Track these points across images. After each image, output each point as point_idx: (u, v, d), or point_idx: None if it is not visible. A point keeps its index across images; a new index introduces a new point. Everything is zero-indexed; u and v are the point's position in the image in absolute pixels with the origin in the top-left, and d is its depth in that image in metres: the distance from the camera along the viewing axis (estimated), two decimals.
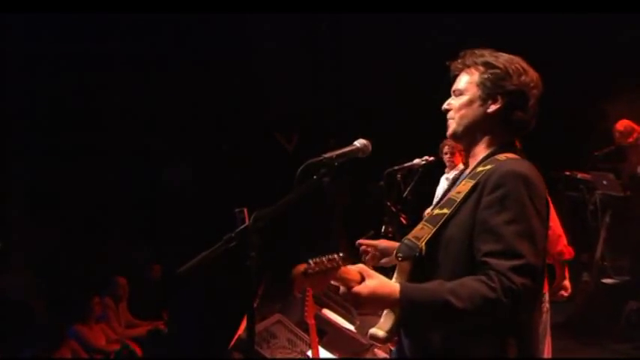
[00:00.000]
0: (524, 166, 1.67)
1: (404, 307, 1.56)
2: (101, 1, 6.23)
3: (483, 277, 1.54)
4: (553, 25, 6.55)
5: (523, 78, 1.74)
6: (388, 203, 3.37)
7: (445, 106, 1.83)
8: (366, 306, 1.58)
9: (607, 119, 6.25)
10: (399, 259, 1.71)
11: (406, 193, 3.87)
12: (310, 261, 1.50)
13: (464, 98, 1.78)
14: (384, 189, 3.38)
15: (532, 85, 1.75)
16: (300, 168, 1.68)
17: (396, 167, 3.58)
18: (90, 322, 5.65)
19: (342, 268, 1.57)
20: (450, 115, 1.81)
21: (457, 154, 5.35)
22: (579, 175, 6.31)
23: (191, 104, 7.96)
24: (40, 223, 7.46)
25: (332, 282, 1.60)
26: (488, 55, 1.78)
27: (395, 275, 1.74)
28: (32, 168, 7.54)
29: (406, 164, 3.89)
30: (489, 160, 1.71)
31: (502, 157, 1.71)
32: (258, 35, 7.64)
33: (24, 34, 7.05)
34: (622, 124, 6.02)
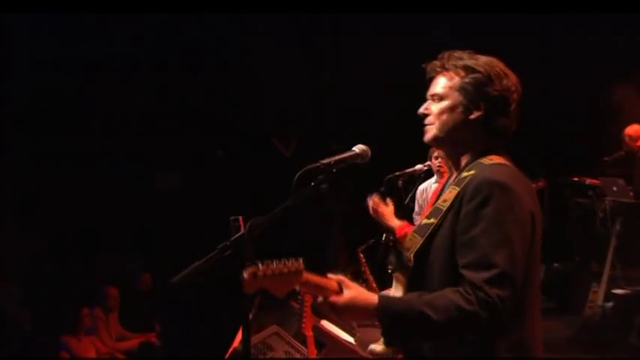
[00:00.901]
0: (504, 173, 1.68)
1: (381, 318, 1.60)
2: (92, 1, 6.26)
3: (461, 290, 1.58)
4: (564, 27, 6.59)
5: (505, 82, 1.76)
6: None
7: (423, 110, 1.83)
8: (342, 315, 1.64)
9: (616, 123, 6.27)
10: (390, 270, 1.77)
11: (408, 199, 3.89)
12: (260, 264, 1.53)
13: (444, 103, 1.78)
14: (384, 196, 3.39)
15: (513, 89, 1.77)
16: (298, 174, 1.70)
17: (397, 173, 3.60)
18: (79, 334, 5.65)
19: (317, 277, 1.61)
20: (428, 119, 1.81)
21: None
22: (588, 181, 6.32)
23: (184, 108, 7.97)
24: (26, 230, 7.46)
25: (308, 290, 1.64)
26: (467, 58, 1.78)
27: (392, 286, 1.80)
28: (18, 174, 7.55)
29: (408, 170, 3.91)
30: (474, 164, 1.74)
31: (486, 160, 1.73)
32: (255, 36, 7.67)
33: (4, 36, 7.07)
34: (632, 129, 6.04)
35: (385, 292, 1.90)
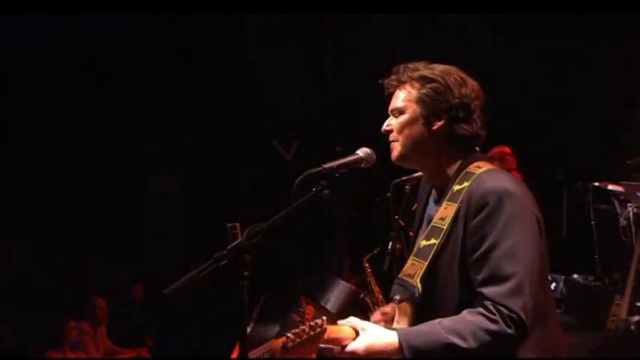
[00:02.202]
0: (505, 179, 1.71)
1: (407, 356, 1.61)
2: (89, 1, 6.35)
3: (481, 310, 1.61)
4: (584, 28, 6.63)
5: (464, 90, 1.79)
6: (396, 217, 3.39)
7: (385, 127, 1.86)
8: None
9: None
10: (396, 301, 1.77)
11: (415, 206, 3.89)
12: (288, 334, 1.55)
13: (404, 117, 1.81)
14: (390, 202, 3.41)
15: (473, 95, 1.80)
16: (298, 179, 1.72)
17: (404, 177, 3.60)
18: (64, 349, 5.65)
19: (332, 327, 1.62)
20: (392, 136, 1.84)
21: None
22: (610, 187, 6.31)
23: (180, 110, 8.00)
24: (9, 238, 7.49)
25: (322, 345, 1.64)
26: (423, 69, 1.82)
27: (396, 318, 1.80)
28: (1, 178, 7.58)
29: (415, 174, 3.90)
30: (463, 175, 1.75)
31: (475, 169, 1.75)
32: (254, 33, 7.70)
33: None
34: None
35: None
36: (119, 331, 6.44)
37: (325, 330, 1.58)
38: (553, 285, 5.72)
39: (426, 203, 1.93)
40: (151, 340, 6.53)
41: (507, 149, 6.22)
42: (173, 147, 8.20)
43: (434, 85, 1.78)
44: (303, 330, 1.55)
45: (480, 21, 6.48)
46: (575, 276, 6.40)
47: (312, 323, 1.57)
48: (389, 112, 1.86)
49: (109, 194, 7.87)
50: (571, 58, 6.87)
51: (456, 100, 1.77)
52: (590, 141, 6.90)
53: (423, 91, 1.79)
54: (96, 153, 7.83)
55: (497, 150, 6.12)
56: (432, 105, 1.77)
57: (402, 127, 1.81)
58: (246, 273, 1.64)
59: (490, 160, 1.82)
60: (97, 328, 6.19)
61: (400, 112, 1.82)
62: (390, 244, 3.39)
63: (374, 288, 3.96)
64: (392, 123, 1.84)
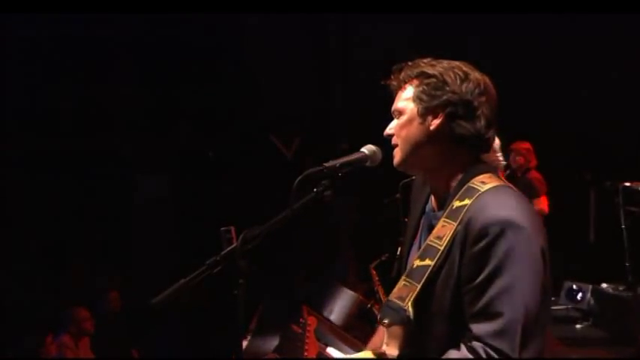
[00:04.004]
0: (510, 205, 1.70)
1: None
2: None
3: (466, 348, 1.64)
4: (613, 28, 6.69)
5: (465, 85, 1.78)
6: (405, 220, 3.41)
7: (387, 131, 1.85)
8: None
9: None
10: (385, 324, 1.79)
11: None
12: None
13: (403, 118, 1.81)
14: (399, 203, 3.43)
15: (477, 91, 1.78)
16: (298, 179, 1.72)
17: (413, 177, 3.62)
18: None
19: None
20: (393, 141, 1.84)
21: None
22: None
23: (170, 103, 8.02)
24: None
25: None
26: (423, 65, 1.81)
27: (385, 340, 1.82)
28: None
29: None
30: (465, 191, 1.75)
31: (478, 183, 1.75)
32: (253, 24, 7.71)
33: None
34: None
35: (374, 348, 1.93)
36: (104, 344, 6.45)
37: None
38: (580, 295, 5.73)
39: (423, 211, 1.93)
40: (139, 353, 6.55)
41: (528, 145, 6.24)
42: (162, 143, 8.22)
43: (430, 80, 1.78)
44: None
45: (505, 17, 6.59)
46: (604, 285, 6.39)
47: None
48: (392, 114, 1.86)
49: (92, 195, 7.89)
50: (601, 55, 6.92)
51: (455, 96, 1.76)
52: (621, 137, 6.92)
53: (420, 88, 1.79)
54: (77, 151, 7.85)
55: (515, 145, 6.14)
56: (427, 101, 1.77)
57: (401, 129, 1.81)
58: (241, 281, 1.66)
59: (495, 170, 1.81)
60: (79, 341, 6.19)
61: (400, 113, 1.83)
62: (399, 249, 3.41)
63: (382, 297, 3.97)
64: (393, 126, 1.84)
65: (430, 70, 1.79)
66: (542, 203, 6.23)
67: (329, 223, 7.28)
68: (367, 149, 1.86)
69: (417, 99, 1.79)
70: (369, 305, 3.79)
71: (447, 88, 1.77)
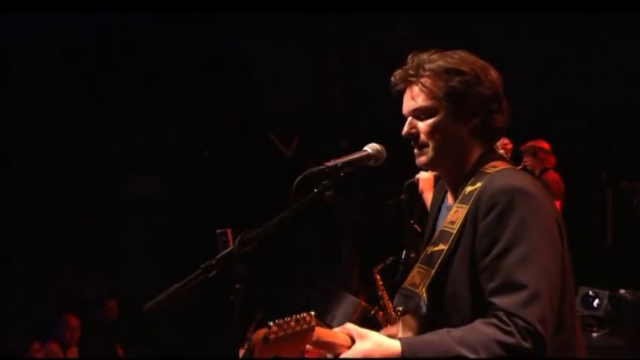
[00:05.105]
0: (520, 177, 1.74)
1: None
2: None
3: (495, 320, 1.63)
4: (629, 24, 6.73)
5: (490, 76, 1.81)
6: (410, 222, 3.42)
7: (408, 130, 1.84)
8: None
9: None
10: (399, 313, 1.80)
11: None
12: (271, 323, 1.55)
13: (435, 119, 1.80)
14: (405, 204, 3.44)
15: (498, 81, 1.82)
16: (298, 179, 1.73)
17: (418, 178, 3.62)
18: None
19: (324, 330, 1.64)
20: (422, 140, 1.82)
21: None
22: None
23: (163, 100, 8.02)
24: None
25: (318, 349, 1.67)
26: (441, 59, 1.80)
27: (399, 333, 1.82)
28: None
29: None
30: (477, 175, 1.78)
31: (490, 168, 1.78)
32: (251, 20, 7.72)
33: None
34: None
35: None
36: (93, 352, 6.47)
37: (313, 328, 1.59)
38: (596, 302, 5.73)
39: (439, 210, 1.95)
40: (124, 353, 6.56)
41: (545, 145, 6.24)
42: (154, 141, 8.22)
43: (463, 77, 1.78)
44: (288, 323, 1.55)
45: (509, 15, 6.65)
46: (623, 291, 6.40)
47: (298, 316, 1.57)
48: (407, 113, 1.84)
49: (81, 196, 7.90)
50: (619, 51, 6.95)
51: (489, 91, 1.79)
52: (638, 136, 6.92)
53: (453, 84, 1.78)
54: (65, 149, 7.86)
55: (531, 143, 6.14)
56: (464, 99, 1.78)
57: (435, 130, 1.80)
58: (238, 286, 1.66)
59: (508, 161, 1.85)
60: (67, 349, 6.22)
61: (426, 112, 1.81)
62: (404, 252, 3.42)
63: (387, 303, 3.97)
64: (420, 125, 1.82)
65: (458, 65, 1.79)
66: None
67: (330, 225, 7.28)
68: (371, 148, 1.85)
69: (451, 97, 1.78)
70: (372, 312, 3.78)
71: (482, 84, 1.79)
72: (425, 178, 3.15)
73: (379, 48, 6.82)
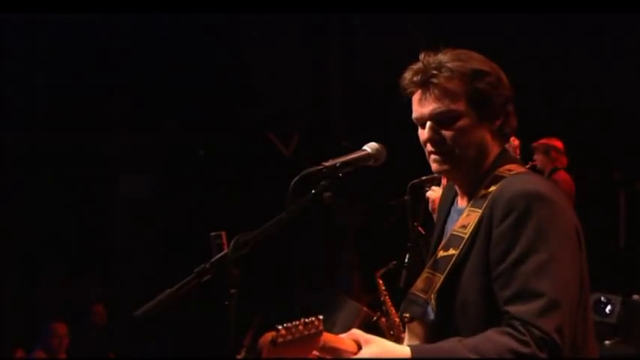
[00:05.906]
0: (534, 182, 1.75)
1: None
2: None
3: (509, 329, 1.62)
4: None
5: (504, 77, 1.83)
6: (414, 224, 3.42)
7: (429, 136, 1.80)
8: None
9: None
10: (406, 319, 1.80)
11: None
12: (280, 327, 1.55)
13: (461, 124, 1.78)
14: (408, 206, 3.44)
15: (508, 81, 1.84)
16: (295, 180, 1.73)
17: (423, 177, 3.62)
18: None
19: (331, 336, 1.65)
20: (448, 147, 1.79)
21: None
22: None
23: (157, 96, 8.02)
24: None
25: (324, 355, 1.66)
26: (462, 60, 1.79)
27: (406, 340, 1.84)
28: None
29: (437, 174, 3.93)
30: (491, 178, 1.79)
31: (505, 172, 1.78)
32: (250, 19, 7.72)
33: None
34: None
35: None
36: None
37: (322, 332, 1.60)
38: (609, 308, 5.73)
39: (448, 213, 1.95)
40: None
41: (558, 143, 6.23)
42: (147, 140, 8.22)
43: (485, 78, 1.78)
44: (297, 326, 1.56)
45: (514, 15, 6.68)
46: (636, 296, 6.40)
47: (306, 320, 1.57)
48: (426, 117, 1.81)
49: (69, 197, 7.90)
50: (632, 50, 6.97)
51: (508, 92, 1.81)
52: None
53: (480, 86, 1.77)
54: (54, 148, 7.86)
55: (544, 141, 6.14)
56: (489, 102, 1.78)
57: (461, 135, 1.78)
58: (233, 291, 1.66)
59: (522, 164, 1.86)
60: (55, 358, 6.21)
61: (450, 116, 1.78)
62: (408, 256, 3.42)
63: (389, 309, 3.98)
64: (443, 132, 1.79)
65: (478, 66, 1.78)
66: None
67: (331, 228, 7.29)
68: (370, 147, 1.85)
69: (476, 99, 1.77)
70: (374, 318, 3.79)
71: (502, 85, 1.80)
72: (438, 197, 3.11)
73: (379, 48, 6.84)
